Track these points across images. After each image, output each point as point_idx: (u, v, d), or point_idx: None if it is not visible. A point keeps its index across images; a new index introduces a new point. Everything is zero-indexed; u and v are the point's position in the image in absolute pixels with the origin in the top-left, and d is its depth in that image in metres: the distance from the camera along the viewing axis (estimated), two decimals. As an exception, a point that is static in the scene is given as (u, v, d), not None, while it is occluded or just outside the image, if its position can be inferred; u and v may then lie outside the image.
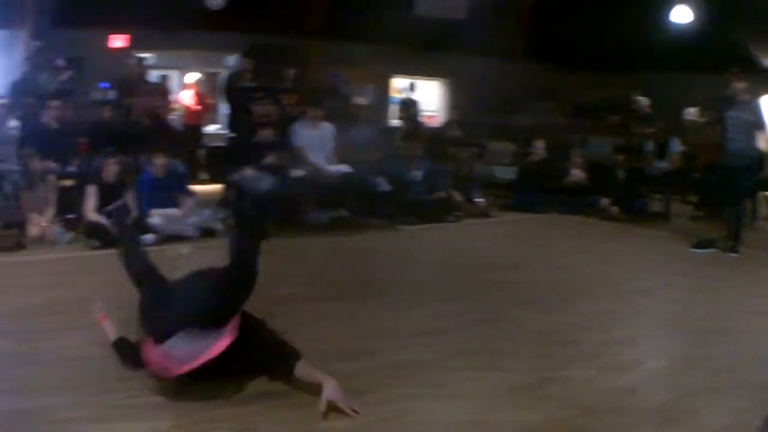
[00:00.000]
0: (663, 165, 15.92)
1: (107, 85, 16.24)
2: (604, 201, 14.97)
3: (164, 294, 5.86)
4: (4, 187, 11.41)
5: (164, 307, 5.57)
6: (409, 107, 19.21)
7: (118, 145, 12.49)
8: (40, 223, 11.00)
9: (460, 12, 22.31)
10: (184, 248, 8.86)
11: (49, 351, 6.16)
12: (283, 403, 5.41)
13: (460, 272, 10.29)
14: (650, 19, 20.70)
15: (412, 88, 19.48)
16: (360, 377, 5.92)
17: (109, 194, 11.32)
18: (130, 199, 11.44)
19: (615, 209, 14.85)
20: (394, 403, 5.49)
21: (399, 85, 21.37)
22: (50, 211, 11.46)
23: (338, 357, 6.29)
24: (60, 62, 15.07)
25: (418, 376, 6.07)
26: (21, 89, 14.37)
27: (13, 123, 13.40)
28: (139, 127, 14.20)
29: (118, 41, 18.03)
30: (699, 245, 12.08)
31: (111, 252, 9.36)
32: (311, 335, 6.47)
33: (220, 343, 5.28)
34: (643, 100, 20.32)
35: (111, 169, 11.53)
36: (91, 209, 11.20)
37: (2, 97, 13.60)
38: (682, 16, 20.67)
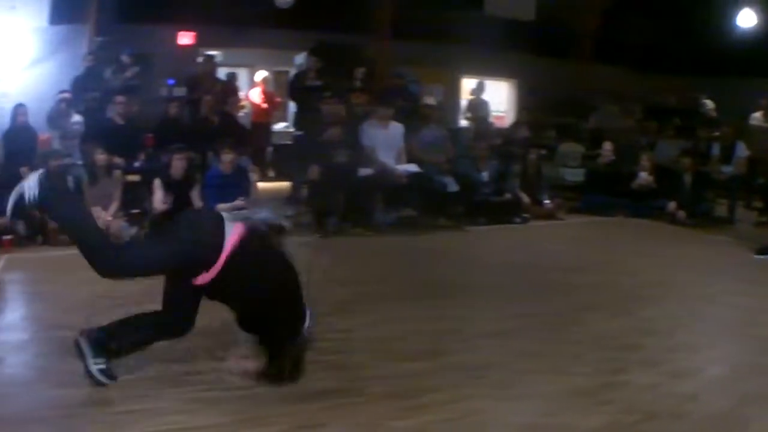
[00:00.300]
0: (728, 169, 15.80)
1: (173, 81, 16.56)
2: (672, 205, 14.87)
3: (176, 234, 5.83)
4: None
5: (193, 241, 5.53)
6: (478, 108, 19.21)
7: (185, 141, 12.64)
8: (104, 217, 11.10)
9: (530, 13, 22.38)
10: None
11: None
12: (347, 400, 5.55)
13: (526, 274, 10.39)
14: (716, 23, 20.62)
15: (481, 88, 19.45)
16: (426, 377, 6.06)
17: (175, 190, 11.57)
18: (196, 194, 11.69)
19: (681, 213, 14.71)
20: (460, 404, 5.61)
21: (468, 85, 21.34)
22: (114, 206, 11.74)
23: (405, 357, 6.45)
24: (125, 58, 15.27)
25: (483, 377, 6.18)
26: (84, 84, 14.57)
27: (76, 118, 13.59)
28: (207, 124, 14.40)
29: (185, 38, 18.29)
30: (762, 251, 11.98)
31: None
32: (378, 335, 6.60)
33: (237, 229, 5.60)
34: (709, 104, 20.24)
35: (178, 164, 11.74)
36: (158, 202, 11.48)
37: (65, 92, 13.78)
38: (747, 20, 20.57)
